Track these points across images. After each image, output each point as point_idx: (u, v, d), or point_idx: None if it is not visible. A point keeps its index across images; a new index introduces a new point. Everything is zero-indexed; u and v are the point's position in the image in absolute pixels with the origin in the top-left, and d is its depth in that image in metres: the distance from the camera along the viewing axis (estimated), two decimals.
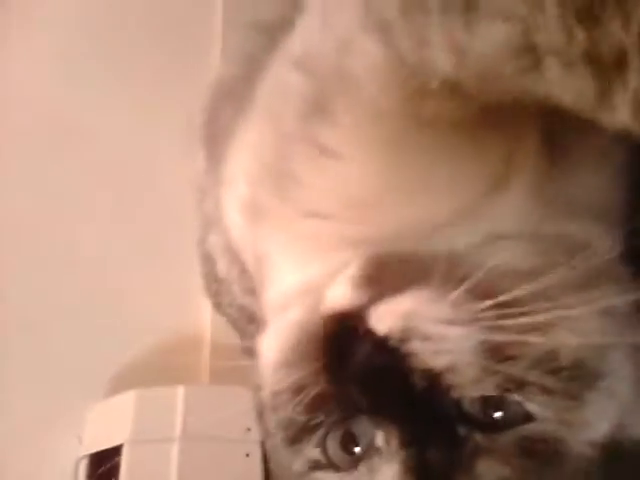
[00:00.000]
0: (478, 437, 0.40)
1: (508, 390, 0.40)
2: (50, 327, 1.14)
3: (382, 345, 0.40)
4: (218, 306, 0.98)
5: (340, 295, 0.42)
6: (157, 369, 1.18)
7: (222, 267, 0.86)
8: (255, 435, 1.06)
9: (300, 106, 0.47)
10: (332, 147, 0.45)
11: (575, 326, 0.40)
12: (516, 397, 0.40)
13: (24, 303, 1.14)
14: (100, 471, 1.03)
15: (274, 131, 0.48)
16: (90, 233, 1.22)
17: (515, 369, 0.39)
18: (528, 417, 0.40)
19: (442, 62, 0.38)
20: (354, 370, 0.40)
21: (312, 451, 0.44)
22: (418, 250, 0.44)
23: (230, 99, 0.63)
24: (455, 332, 0.40)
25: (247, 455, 1.05)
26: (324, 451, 0.43)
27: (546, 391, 0.40)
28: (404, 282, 0.41)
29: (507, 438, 0.40)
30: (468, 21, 0.37)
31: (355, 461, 0.42)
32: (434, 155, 0.44)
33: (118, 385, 1.14)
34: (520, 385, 0.40)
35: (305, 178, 0.47)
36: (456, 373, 0.39)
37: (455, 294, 0.40)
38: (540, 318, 0.39)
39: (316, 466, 0.44)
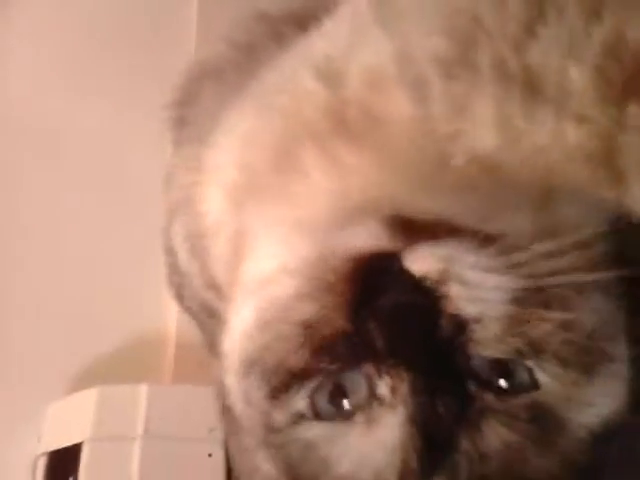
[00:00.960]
0: (488, 397, 0.40)
1: (524, 355, 0.40)
2: (10, 323, 1.12)
3: (417, 285, 0.40)
4: (180, 299, 0.97)
5: (370, 234, 0.42)
6: (120, 367, 1.18)
7: (183, 259, 0.85)
8: (218, 435, 1.07)
9: (317, 115, 0.47)
10: (345, 159, 0.46)
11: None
12: (530, 363, 0.40)
13: None
14: (58, 470, 1.02)
15: (281, 128, 0.48)
16: (52, 230, 1.20)
17: (538, 332, 0.40)
18: (535, 386, 0.40)
19: (483, 141, 0.38)
20: (382, 306, 0.39)
21: (299, 402, 0.42)
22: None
23: (215, 82, 0.63)
24: (492, 280, 0.40)
25: (209, 455, 1.04)
26: (312, 402, 0.42)
27: (561, 361, 0.40)
28: (437, 232, 0.41)
29: (515, 402, 0.40)
30: (531, 108, 0.36)
31: (348, 414, 0.41)
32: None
33: (80, 383, 1.12)
34: (538, 351, 0.40)
35: (311, 172, 0.47)
36: (483, 326, 0.39)
37: (493, 245, 0.41)
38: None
39: (301, 419, 0.43)
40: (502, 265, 0.40)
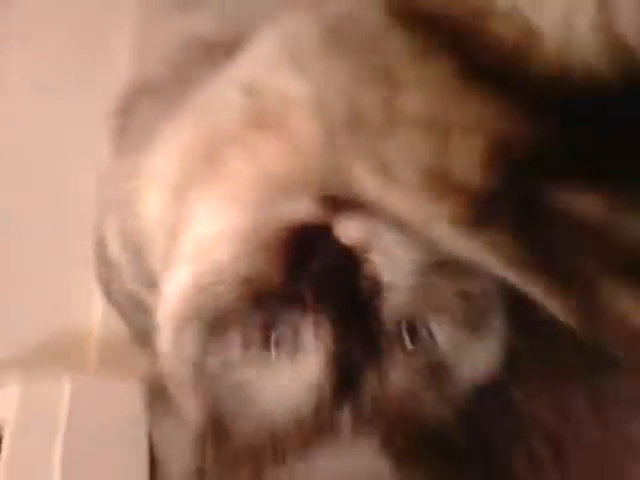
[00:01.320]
0: (395, 351, 0.48)
1: (426, 318, 0.49)
2: None
3: (343, 251, 0.48)
4: (108, 294, 1.00)
5: (303, 208, 0.50)
6: (41, 361, 1.17)
7: (114, 250, 0.88)
8: (142, 424, 1.09)
9: (239, 118, 0.56)
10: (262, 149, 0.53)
11: None
12: (430, 325, 0.50)
13: None
14: None
15: (210, 134, 0.56)
16: None
17: (438, 299, 0.49)
18: (433, 344, 0.50)
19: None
20: (313, 267, 0.47)
21: (233, 348, 0.49)
22: None
23: (153, 97, 0.69)
24: (405, 254, 0.49)
25: (133, 443, 1.06)
26: (244, 348, 0.49)
27: (455, 323, 0.50)
28: (360, 208, 0.49)
29: (416, 357, 0.49)
30: None
31: (276, 357, 0.48)
32: None
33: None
34: (437, 314, 0.49)
35: (237, 167, 0.55)
36: (395, 292, 0.48)
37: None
38: None
39: (233, 363, 0.50)
40: (414, 241, 0.49)
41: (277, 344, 0.49)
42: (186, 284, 0.53)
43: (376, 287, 0.48)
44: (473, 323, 0.51)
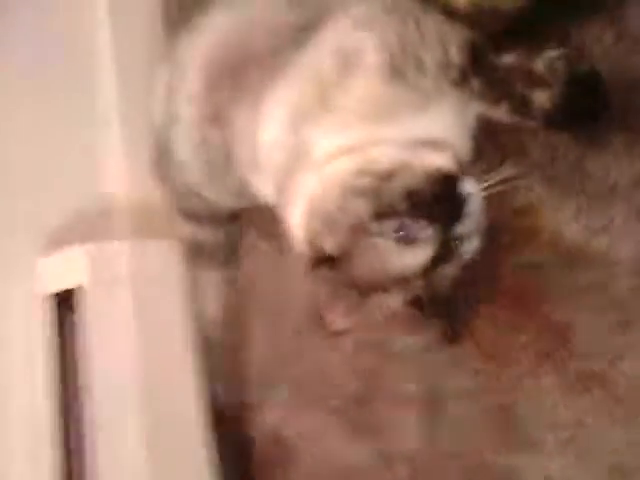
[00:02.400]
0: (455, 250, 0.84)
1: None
2: None
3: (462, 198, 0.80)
4: (164, 178, 1.29)
5: (447, 163, 0.81)
6: (81, 230, 1.37)
7: (182, 154, 1.18)
8: (185, 276, 1.37)
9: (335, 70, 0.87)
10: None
11: None
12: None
13: None
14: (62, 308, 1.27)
15: (316, 83, 0.87)
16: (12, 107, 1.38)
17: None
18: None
19: None
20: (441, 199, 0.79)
21: (384, 225, 0.80)
22: None
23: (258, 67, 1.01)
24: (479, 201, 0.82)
25: (181, 292, 1.35)
26: (397, 230, 0.80)
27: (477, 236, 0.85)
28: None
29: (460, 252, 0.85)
30: None
31: (405, 243, 0.81)
32: None
33: (52, 243, 1.34)
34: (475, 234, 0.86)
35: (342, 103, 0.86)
36: (468, 222, 0.81)
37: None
38: None
39: (379, 234, 0.81)
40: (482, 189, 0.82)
41: (406, 233, 0.80)
42: (348, 172, 0.83)
43: (463, 215, 0.80)
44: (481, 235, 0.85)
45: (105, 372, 1.21)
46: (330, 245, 0.85)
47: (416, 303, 0.87)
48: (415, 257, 0.81)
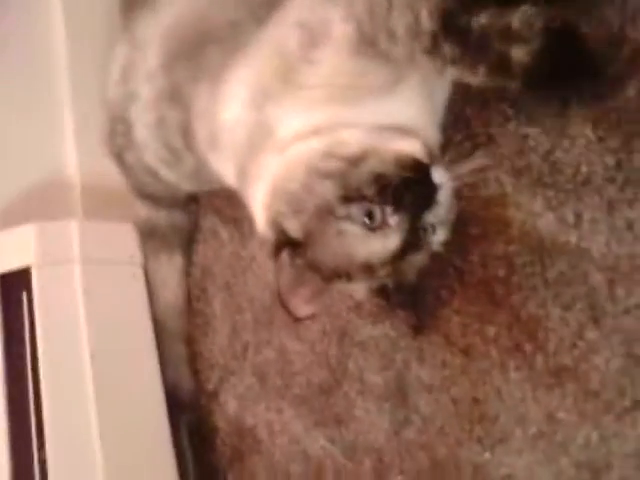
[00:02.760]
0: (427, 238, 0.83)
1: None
2: None
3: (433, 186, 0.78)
4: (119, 156, 1.24)
5: (417, 151, 0.79)
6: (31, 208, 1.35)
7: (141, 134, 1.13)
8: (138, 260, 1.36)
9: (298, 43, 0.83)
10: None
11: None
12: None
13: None
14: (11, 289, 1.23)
15: (279, 59, 0.84)
16: None
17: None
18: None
19: None
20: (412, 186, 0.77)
21: (353, 210, 0.78)
22: None
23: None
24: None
25: (133, 275, 1.32)
26: (363, 214, 0.78)
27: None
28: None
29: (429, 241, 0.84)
30: None
31: (373, 228, 0.78)
32: None
33: (2, 221, 1.29)
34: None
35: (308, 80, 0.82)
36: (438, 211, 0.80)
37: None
38: None
39: (346, 219, 0.78)
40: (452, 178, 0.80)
41: (373, 220, 0.78)
42: (315, 154, 0.80)
43: (432, 204, 0.79)
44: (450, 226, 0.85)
45: (54, 356, 1.16)
46: (294, 227, 0.82)
47: (382, 292, 0.85)
48: (382, 244, 0.79)
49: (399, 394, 0.95)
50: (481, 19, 0.76)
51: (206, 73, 0.99)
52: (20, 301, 1.20)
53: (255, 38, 0.89)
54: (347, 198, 0.78)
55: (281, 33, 0.86)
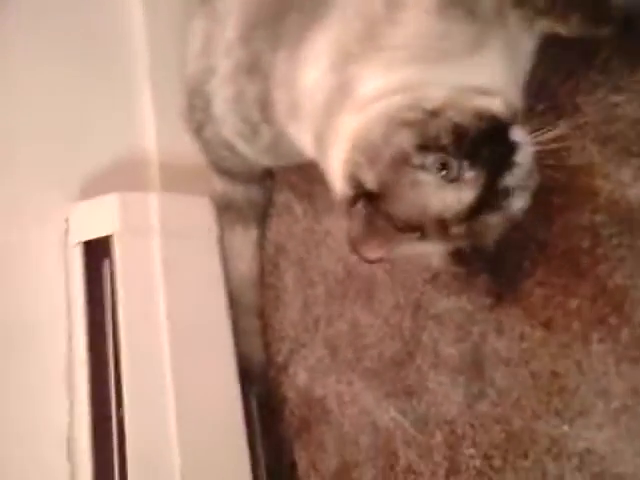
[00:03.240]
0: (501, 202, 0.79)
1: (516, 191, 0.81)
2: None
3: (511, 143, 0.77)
4: (198, 131, 1.27)
5: (497, 107, 0.78)
6: (112, 182, 1.36)
7: (220, 108, 1.16)
8: (215, 233, 1.39)
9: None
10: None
11: None
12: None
13: None
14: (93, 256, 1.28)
15: (357, 22, 0.84)
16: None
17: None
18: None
19: None
20: (490, 142, 0.77)
21: (428, 159, 0.77)
22: None
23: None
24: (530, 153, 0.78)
25: (210, 248, 1.35)
26: (440, 163, 0.77)
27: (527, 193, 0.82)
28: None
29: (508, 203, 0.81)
30: None
31: (448, 180, 0.77)
32: None
33: (83, 193, 1.34)
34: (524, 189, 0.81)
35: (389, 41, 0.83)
36: (518, 170, 0.77)
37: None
38: None
39: (423, 168, 0.78)
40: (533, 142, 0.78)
41: (449, 171, 0.77)
42: (395, 106, 0.80)
43: (510, 165, 0.76)
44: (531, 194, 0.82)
45: (134, 324, 1.20)
46: (370, 178, 0.81)
47: (460, 259, 0.84)
48: (456, 198, 0.77)
49: (474, 367, 0.94)
50: None
51: (286, 41, 1.00)
52: (102, 268, 1.25)
53: (337, 3, 0.89)
54: (424, 147, 0.77)
55: None
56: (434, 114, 0.78)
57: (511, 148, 0.76)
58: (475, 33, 0.79)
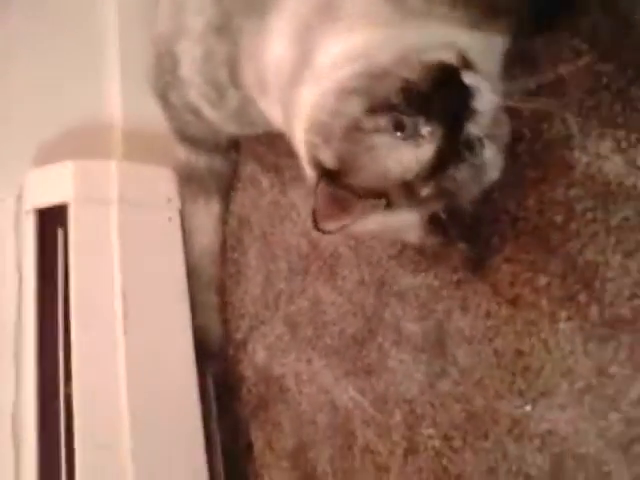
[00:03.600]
0: (465, 155, 0.75)
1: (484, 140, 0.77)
2: None
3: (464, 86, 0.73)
4: (163, 96, 1.22)
5: (447, 57, 0.74)
6: (71, 147, 1.32)
7: (187, 72, 1.10)
8: (175, 204, 1.35)
9: None
10: None
11: None
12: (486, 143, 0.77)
13: None
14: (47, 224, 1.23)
15: None
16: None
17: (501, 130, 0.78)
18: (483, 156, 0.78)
19: None
20: (441, 90, 0.73)
21: (380, 121, 0.74)
22: None
23: None
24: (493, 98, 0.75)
25: (170, 219, 1.31)
26: (389, 124, 0.74)
27: (498, 143, 0.79)
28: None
29: (473, 161, 0.78)
30: None
31: (403, 138, 0.74)
32: None
33: (43, 158, 1.29)
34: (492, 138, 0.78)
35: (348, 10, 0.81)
36: (479, 118, 0.74)
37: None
38: None
39: (378, 130, 0.74)
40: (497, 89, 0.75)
41: (406, 129, 0.73)
42: (346, 76, 0.76)
43: (470, 113, 0.73)
44: (503, 147, 0.78)
45: (86, 296, 1.15)
46: (328, 157, 0.78)
47: (437, 228, 0.80)
48: (415, 155, 0.73)
49: (437, 345, 0.91)
50: None
51: (253, 10, 0.96)
52: (55, 237, 1.19)
53: None
54: (374, 109, 0.74)
55: None
56: (382, 76, 0.74)
57: (465, 92, 0.73)
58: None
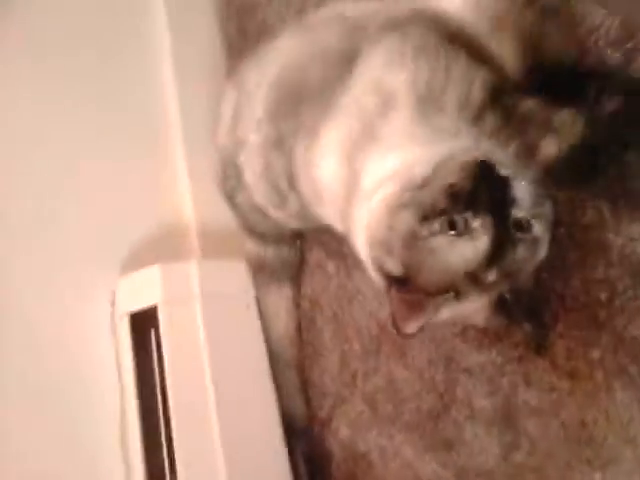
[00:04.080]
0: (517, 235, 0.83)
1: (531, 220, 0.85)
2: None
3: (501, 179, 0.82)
4: (231, 197, 1.34)
5: (480, 155, 0.84)
6: (154, 252, 1.46)
7: (250, 178, 1.22)
8: (251, 293, 1.44)
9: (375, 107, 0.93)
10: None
11: None
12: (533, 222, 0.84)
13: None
14: (140, 326, 1.33)
15: (362, 119, 0.94)
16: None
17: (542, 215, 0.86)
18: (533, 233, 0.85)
19: None
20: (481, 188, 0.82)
21: (434, 226, 0.82)
22: None
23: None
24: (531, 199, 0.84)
25: (247, 306, 1.41)
26: (446, 225, 0.82)
27: (545, 221, 0.86)
28: None
29: (527, 237, 0.85)
30: None
31: (459, 236, 0.82)
32: None
33: (127, 265, 1.42)
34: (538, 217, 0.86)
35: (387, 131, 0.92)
36: (520, 207, 0.82)
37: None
38: None
39: (433, 233, 0.83)
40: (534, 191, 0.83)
41: (458, 227, 0.81)
42: (391, 193, 0.87)
43: (512, 199, 0.81)
44: (549, 224, 0.85)
45: (181, 388, 1.26)
46: (394, 267, 0.86)
47: (502, 309, 0.87)
48: (473, 247, 0.81)
49: (507, 418, 0.97)
50: (528, 104, 0.85)
51: (302, 126, 1.07)
52: (149, 338, 1.31)
53: (339, 103, 0.98)
54: (426, 217, 0.83)
55: (361, 97, 0.95)
56: (424, 185, 0.83)
57: (503, 182, 0.81)
58: (449, 121, 0.87)
